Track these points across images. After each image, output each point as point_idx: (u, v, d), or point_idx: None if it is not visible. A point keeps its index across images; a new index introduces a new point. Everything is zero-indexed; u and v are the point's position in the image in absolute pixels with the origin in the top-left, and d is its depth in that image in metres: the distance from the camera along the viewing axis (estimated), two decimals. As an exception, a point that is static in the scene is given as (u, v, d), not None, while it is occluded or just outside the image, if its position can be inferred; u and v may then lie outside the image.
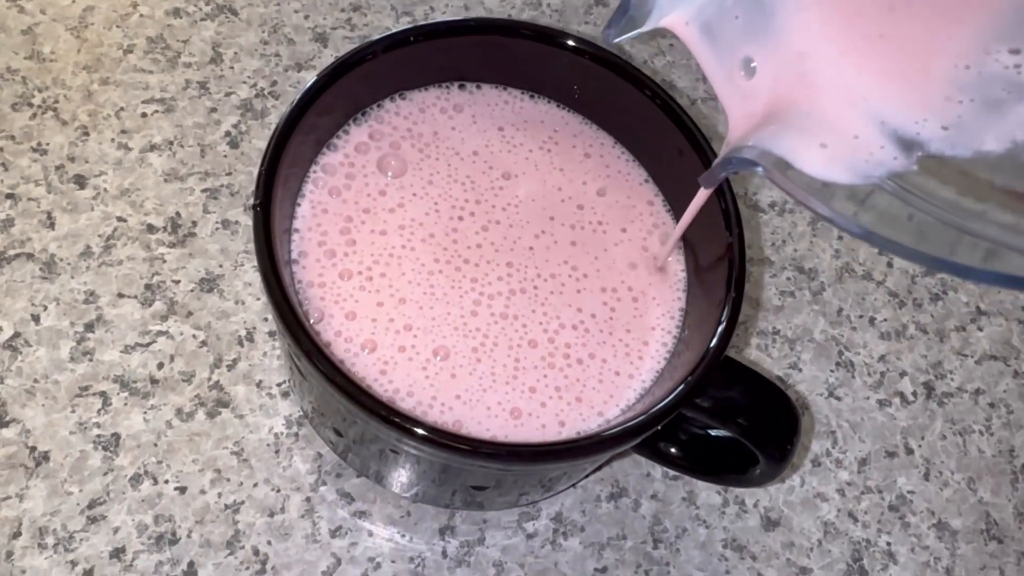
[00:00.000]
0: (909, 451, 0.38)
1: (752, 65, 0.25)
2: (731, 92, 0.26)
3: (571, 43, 0.30)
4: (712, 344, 0.26)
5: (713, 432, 0.32)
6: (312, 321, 0.27)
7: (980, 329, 0.41)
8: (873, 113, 0.22)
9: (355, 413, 0.24)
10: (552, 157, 0.32)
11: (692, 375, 0.26)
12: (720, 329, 0.27)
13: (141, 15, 0.41)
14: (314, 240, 0.29)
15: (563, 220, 0.31)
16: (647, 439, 0.30)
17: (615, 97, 0.31)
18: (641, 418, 0.25)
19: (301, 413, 0.34)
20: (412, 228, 0.30)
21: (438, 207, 0.30)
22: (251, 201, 0.26)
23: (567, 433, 0.27)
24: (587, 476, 0.35)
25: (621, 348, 0.29)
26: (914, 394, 0.39)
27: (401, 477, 0.31)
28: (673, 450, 0.32)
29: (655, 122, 0.31)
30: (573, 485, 0.35)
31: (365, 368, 0.27)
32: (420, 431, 0.23)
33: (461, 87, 0.32)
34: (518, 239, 0.30)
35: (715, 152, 0.29)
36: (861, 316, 0.41)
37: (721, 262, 0.28)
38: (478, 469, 0.27)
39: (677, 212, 0.31)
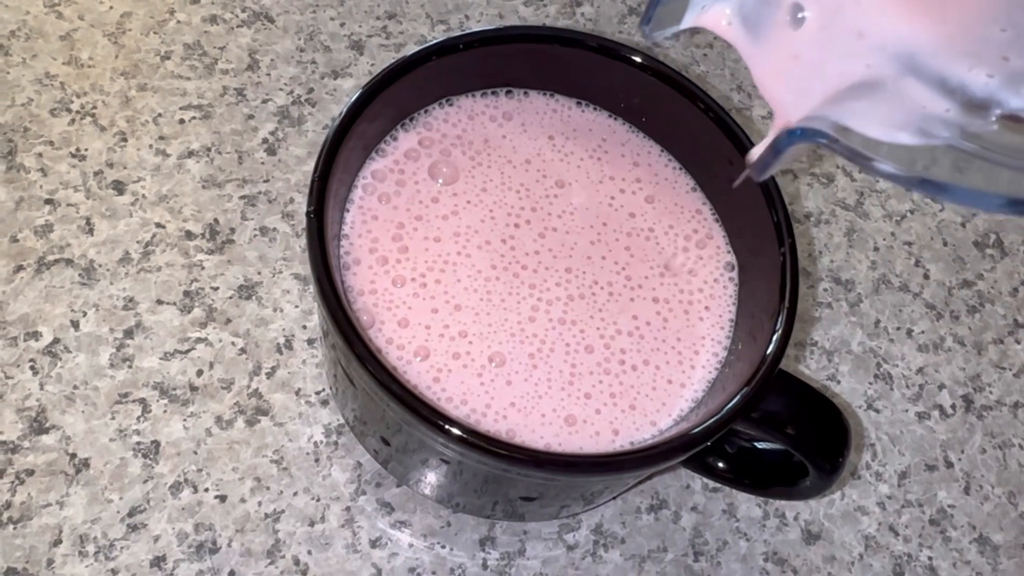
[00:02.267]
0: (949, 464, 0.38)
1: (800, 42, 0.24)
2: (776, 79, 0.25)
3: (624, 54, 0.30)
4: (767, 355, 0.26)
5: (760, 445, 0.31)
6: (364, 327, 0.27)
7: (1018, 342, 0.41)
8: (932, 72, 0.22)
9: (408, 421, 0.24)
10: (603, 165, 0.32)
11: (747, 387, 0.26)
12: (774, 341, 0.26)
13: (178, 21, 0.41)
14: (365, 247, 0.28)
15: (616, 227, 0.31)
16: (697, 452, 0.30)
17: (661, 106, 0.31)
18: (696, 430, 0.25)
19: (341, 422, 0.34)
20: (468, 235, 0.29)
21: (493, 214, 0.30)
22: (306, 207, 0.26)
23: (620, 442, 0.27)
24: (629, 489, 0.35)
25: (674, 356, 0.29)
26: (953, 407, 0.39)
27: (445, 486, 0.30)
28: (721, 464, 0.32)
29: (703, 130, 0.30)
30: (614, 497, 0.34)
31: (418, 376, 0.27)
32: (475, 440, 0.23)
33: (508, 94, 0.32)
34: (575, 245, 0.30)
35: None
36: (899, 328, 0.40)
37: (773, 273, 0.28)
38: (527, 479, 0.27)
39: (724, 220, 0.31)
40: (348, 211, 0.29)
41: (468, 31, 0.30)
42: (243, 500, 0.32)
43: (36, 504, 0.31)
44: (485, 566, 0.33)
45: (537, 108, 0.32)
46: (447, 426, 0.24)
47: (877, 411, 0.39)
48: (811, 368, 0.39)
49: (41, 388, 0.33)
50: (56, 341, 0.34)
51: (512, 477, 0.27)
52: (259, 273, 0.36)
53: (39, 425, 0.32)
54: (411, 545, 0.33)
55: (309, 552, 0.32)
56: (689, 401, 0.28)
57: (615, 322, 0.29)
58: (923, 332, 0.41)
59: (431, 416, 0.24)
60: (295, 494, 0.33)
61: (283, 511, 0.32)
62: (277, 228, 0.37)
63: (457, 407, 0.27)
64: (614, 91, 0.32)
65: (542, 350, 0.28)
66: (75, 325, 0.34)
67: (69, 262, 0.35)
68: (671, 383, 0.28)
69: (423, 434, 0.25)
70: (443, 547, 0.33)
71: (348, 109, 0.27)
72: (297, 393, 0.34)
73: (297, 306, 0.36)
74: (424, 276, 0.28)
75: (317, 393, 0.34)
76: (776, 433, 0.27)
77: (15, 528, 0.31)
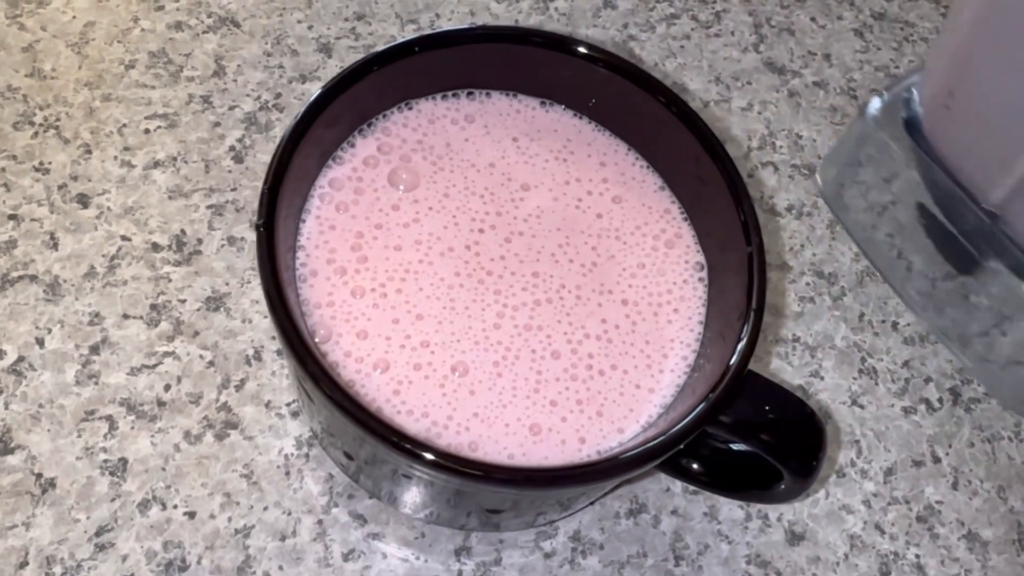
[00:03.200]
0: (936, 460, 0.37)
1: None
2: None
3: (582, 49, 0.30)
4: (733, 360, 0.26)
5: (735, 446, 0.31)
6: (319, 341, 0.26)
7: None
8: None
9: (362, 437, 0.23)
10: (568, 167, 0.31)
11: (713, 393, 0.25)
12: (741, 344, 0.26)
13: (142, 29, 0.40)
14: (322, 258, 0.28)
15: (584, 229, 0.30)
16: (670, 456, 0.29)
17: (627, 103, 0.30)
18: (661, 439, 0.24)
19: (311, 433, 0.33)
20: (430, 242, 0.29)
21: (456, 220, 0.29)
22: (255, 219, 0.25)
23: (587, 450, 0.27)
24: (607, 494, 0.34)
25: (642, 360, 0.28)
26: (940, 400, 0.38)
27: (414, 499, 0.30)
28: (695, 466, 0.31)
29: (669, 127, 0.30)
30: (592, 503, 0.34)
31: (377, 389, 0.26)
32: (429, 456, 0.23)
33: (469, 95, 0.31)
34: (542, 248, 0.29)
35: (730, 157, 0.29)
36: (883, 321, 0.40)
37: (740, 274, 0.27)
38: (493, 493, 0.26)
39: (693, 220, 0.30)
40: (304, 221, 0.28)
41: (424, 32, 0.29)
42: (212, 516, 0.32)
43: (1, 526, 0.31)
44: (461, 577, 0.32)
45: (500, 109, 0.32)
46: (401, 442, 0.23)
47: (862, 407, 0.38)
48: (794, 365, 0.38)
49: (6, 407, 0.32)
50: (21, 359, 0.33)
51: (476, 491, 0.26)
52: (227, 284, 0.36)
53: (3, 445, 0.32)
54: (385, 557, 0.32)
55: (280, 567, 0.31)
56: (657, 407, 0.28)
57: (583, 326, 0.28)
58: (908, 325, 0.40)
59: (383, 432, 0.23)
60: (265, 508, 0.32)
61: (253, 526, 0.32)
62: (245, 237, 0.37)
63: (418, 420, 0.26)
64: (578, 89, 0.31)
65: (507, 358, 0.28)
66: (40, 342, 0.34)
67: (33, 278, 0.35)
68: (639, 388, 0.28)
69: (377, 450, 0.24)
70: (418, 558, 0.32)
71: (301, 116, 0.27)
72: (267, 405, 0.34)
73: (266, 317, 0.35)
74: (384, 286, 0.28)
75: (287, 405, 0.34)
76: (747, 437, 0.27)
77: (-19, 551, 0.30)
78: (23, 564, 0.30)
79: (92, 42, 0.40)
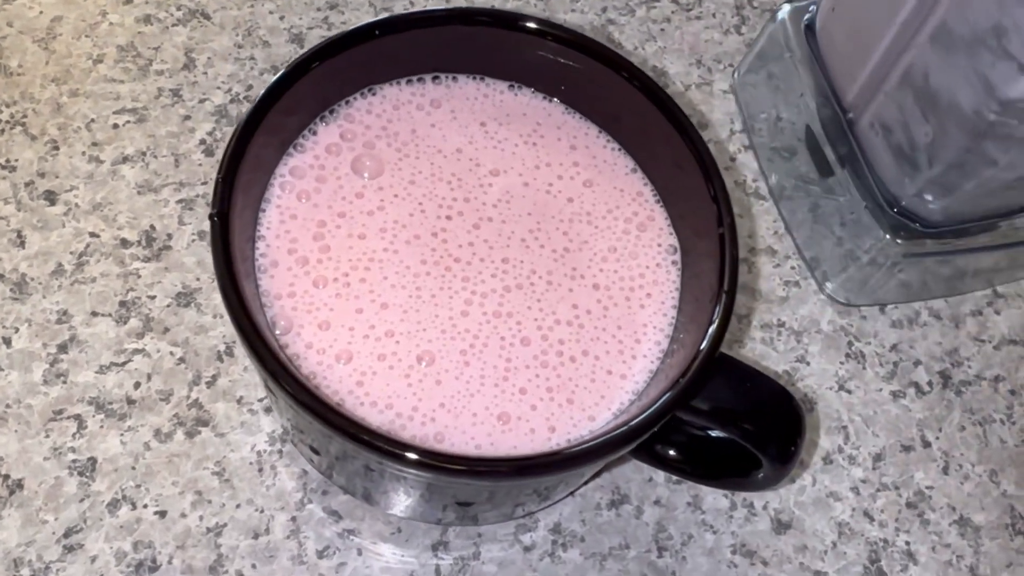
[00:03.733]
0: (926, 444, 0.36)
1: None
2: None
3: (548, 30, 0.29)
4: (704, 344, 0.25)
5: (713, 434, 0.30)
6: (279, 333, 0.26)
7: (997, 312, 0.40)
8: None
9: (322, 431, 0.23)
10: (538, 151, 0.30)
11: (683, 377, 0.24)
12: (713, 327, 0.25)
13: (111, 23, 0.40)
14: (283, 248, 0.27)
15: (555, 214, 0.29)
16: (643, 443, 0.28)
17: (597, 85, 0.30)
18: (629, 424, 0.24)
19: (283, 429, 0.33)
20: (395, 230, 0.28)
21: (423, 207, 0.29)
22: (210, 209, 0.24)
23: (557, 439, 0.26)
24: (586, 483, 0.33)
25: (614, 345, 0.28)
26: (929, 384, 0.37)
27: (387, 495, 0.29)
28: (672, 453, 0.30)
29: (640, 109, 0.29)
30: (572, 493, 0.33)
31: (339, 381, 0.26)
32: (388, 448, 0.22)
33: (435, 80, 0.31)
34: (512, 234, 0.29)
35: (701, 138, 0.28)
36: (870, 304, 0.39)
37: (714, 258, 0.27)
38: (463, 485, 0.25)
39: (666, 202, 0.30)
40: (264, 211, 0.27)
41: (387, 15, 0.28)
42: (183, 515, 0.31)
43: (-32, 529, 0.30)
44: (438, 572, 0.32)
45: (467, 94, 0.31)
46: (359, 433, 0.22)
47: (849, 392, 0.37)
48: (779, 350, 0.37)
49: (-28, 409, 0.32)
50: (-13, 359, 0.33)
51: (444, 483, 0.25)
52: (198, 279, 0.35)
53: (-30, 447, 0.31)
54: (360, 553, 0.32)
55: (253, 566, 0.31)
56: (630, 393, 0.27)
57: (554, 312, 0.28)
58: (896, 307, 0.39)
59: (341, 424, 0.22)
60: (238, 506, 0.32)
61: (225, 524, 0.31)
62: (216, 231, 0.36)
63: (381, 412, 0.25)
64: (547, 72, 0.30)
65: (475, 346, 0.27)
66: (7, 342, 0.33)
67: (0, 277, 0.34)
68: (611, 374, 0.27)
69: (335, 442, 0.23)
70: (394, 554, 0.32)
71: (257, 103, 0.26)
72: (239, 401, 0.33)
73: (238, 311, 0.35)
74: (348, 275, 0.27)
75: (260, 400, 0.33)
76: (723, 423, 0.26)
77: (-53, 555, 0.30)
78: (-10, 567, 0.30)
79: (59, 37, 0.39)
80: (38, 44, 0.39)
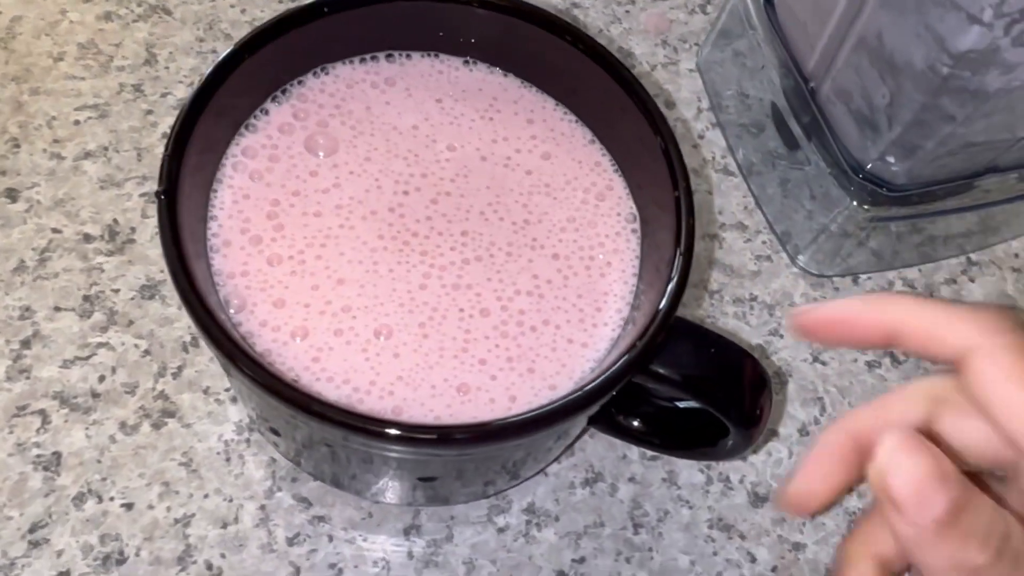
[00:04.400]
0: (903, 413, 0.36)
1: None
2: None
3: (505, 4, 0.29)
4: (661, 306, 0.25)
5: (681, 404, 0.30)
6: (233, 312, 0.25)
7: (972, 280, 0.39)
8: None
9: (274, 406, 0.22)
10: (496, 125, 0.30)
11: (640, 340, 0.24)
12: (669, 288, 0.25)
13: (71, 21, 0.40)
14: (236, 228, 0.27)
15: (514, 186, 0.29)
16: (604, 413, 0.28)
17: (552, 57, 0.30)
18: (587, 387, 0.23)
19: (249, 418, 0.32)
20: (351, 207, 0.28)
21: (380, 183, 0.28)
22: (156, 188, 0.24)
23: (517, 408, 0.26)
24: (557, 460, 0.33)
25: (575, 314, 0.27)
26: (904, 353, 0.37)
27: (354, 478, 0.29)
28: (640, 424, 0.30)
29: (595, 80, 0.29)
30: (543, 472, 0.33)
31: (295, 358, 0.25)
32: (338, 418, 0.22)
33: (389, 58, 0.30)
34: (471, 208, 0.28)
35: (656, 105, 0.28)
36: (843, 276, 0.39)
37: (670, 221, 0.26)
38: (422, 458, 0.25)
39: (625, 172, 0.30)
40: (216, 191, 0.27)
41: (336, -6, 0.28)
42: (151, 507, 0.31)
43: (-69, 527, 0.30)
44: (411, 555, 0.31)
45: (421, 71, 0.31)
46: (311, 405, 0.22)
47: (824, 363, 0.37)
48: (752, 324, 0.37)
49: (-66, 407, 0.31)
50: (-51, 357, 0.32)
51: (403, 457, 0.25)
52: (162, 271, 0.35)
53: (-68, 445, 0.31)
54: (331, 539, 0.31)
55: (222, 555, 0.30)
56: (591, 362, 0.27)
57: (514, 283, 0.27)
58: (870, 278, 0.39)
59: (293, 396, 0.22)
60: (206, 496, 0.31)
61: (194, 515, 0.31)
62: (180, 224, 0.36)
63: (338, 387, 0.25)
64: (502, 46, 0.30)
65: (434, 318, 0.27)
66: (-31, 339, 0.33)
67: (-38, 275, 0.34)
68: (572, 343, 0.27)
69: (294, 423, 0.23)
70: (365, 539, 0.31)
71: (201, 84, 0.26)
72: (205, 392, 0.33)
73: (203, 302, 0.34)
74: (303, 253, 0.27)
75: (226, 390, 0.33)
76: (686, 388, 0.26)
77: (-90, 554, 0.29)
78: (-46, 565, 0.29)
79: (19, 36, 0.39)
80: (-2, 44, 0.39)
